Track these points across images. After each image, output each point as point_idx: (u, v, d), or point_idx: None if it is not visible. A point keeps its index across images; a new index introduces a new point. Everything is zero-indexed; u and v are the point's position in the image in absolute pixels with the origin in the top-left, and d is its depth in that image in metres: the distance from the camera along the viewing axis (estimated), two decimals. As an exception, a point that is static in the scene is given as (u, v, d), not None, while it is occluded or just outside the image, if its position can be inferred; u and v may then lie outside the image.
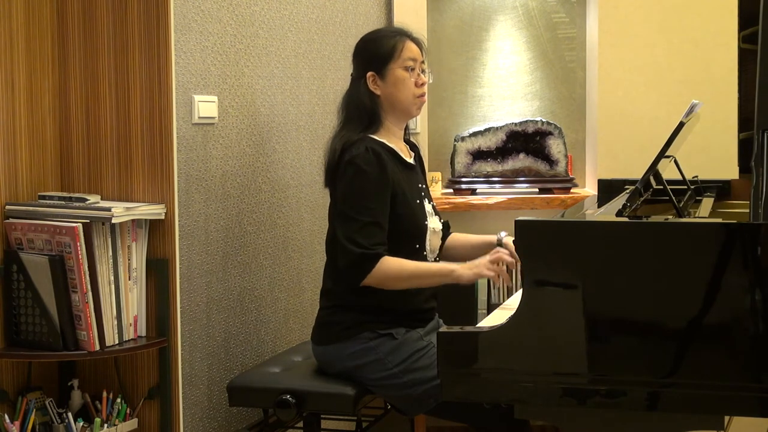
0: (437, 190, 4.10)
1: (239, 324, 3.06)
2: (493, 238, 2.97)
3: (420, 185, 2.86)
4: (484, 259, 2.68)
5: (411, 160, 2.85)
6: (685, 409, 2.10)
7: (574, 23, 4.20)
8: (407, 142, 2.91)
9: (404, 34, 2.80)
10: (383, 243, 2.65)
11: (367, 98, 2.76)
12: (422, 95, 2.81)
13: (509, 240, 2.91)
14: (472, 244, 3.02)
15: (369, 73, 2.77)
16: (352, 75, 2.83)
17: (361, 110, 2.76)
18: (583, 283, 2.11)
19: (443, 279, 2.69)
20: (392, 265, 2.64)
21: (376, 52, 2.77)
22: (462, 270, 2.67)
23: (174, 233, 2.68)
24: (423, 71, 2.81)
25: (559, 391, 2.14)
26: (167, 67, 2.64)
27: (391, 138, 2.80)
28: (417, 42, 2.81)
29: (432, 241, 2.81)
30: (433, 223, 2.82)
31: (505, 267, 2.67)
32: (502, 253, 2.68)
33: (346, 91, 2.85)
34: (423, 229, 2.77)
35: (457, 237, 3.04)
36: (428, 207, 2.84)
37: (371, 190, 2.65)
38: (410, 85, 2.77)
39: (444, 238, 2.98)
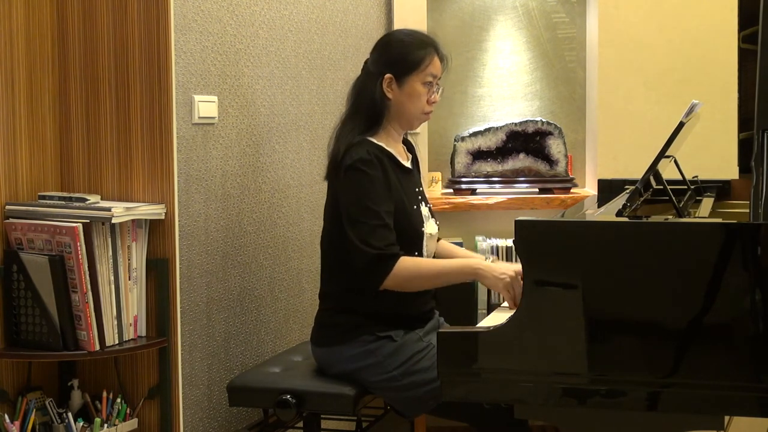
0: (437, 190, 4.10)
1: (239, 324, 3.06)
2: (480, 258, 2.94)
3: (416, 189, 2.84)
4: (511, 274, 2.62)
5: (408, 164, 2.84)
6: (685, 409, 2.09)
7: (574, 23, 4.20)
8: (404, 141, 2.90)
9: (434, 47, 2.76)
10: (395, 243, 2.64)
11: (378, 98, 2.73)
12: (429, 113, 2.80)
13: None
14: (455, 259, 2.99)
15: (388, 75, 2.73)
16: (367, 63, 2.79)
17: (370, 108, 2.73)
18: (583, 283, 2.11)
19: (467, 277, 2.67)
20: (412, 264, 2.64)
21: (404, 58, 2.73)
22: (487, 272, 2.62)
23: (174, 233, 2.68)
24: (437, 87, 2.79)
25: (559, 391, 2.14)
26: (167, 67, 2.64)
27: (389, 141, 2.78)
28: (442, 58, 2.78)
29: (429, 246, 2.80)
30: (430, 228, 2.81)
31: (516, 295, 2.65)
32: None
33: (358, 78, 2.81)
34: (420, 235, 2.75)
35: (443, 245, 3.02)
36: (425, 211, 2.82)
37: (376, 193, 2.63)
38: (423, 101, 2.75)
39: None
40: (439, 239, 3.00)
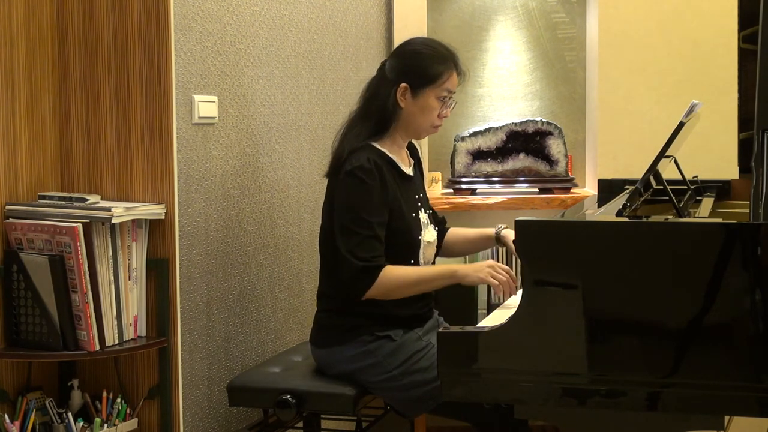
0: (437, 190, 4.10)
1: (239, 324, 3.06)
2: (491, 231, 2.97)
3: (417, 196, 2.84)
4: (488, 263, 2.68)
5: (410, 170, 2.83)
6: (685, 409, 2.10)
7: (574, 23, 4.20)
8: (407, 144, 2.89)
9: (455, 63, 2.74)
10: (383, 255, 2.64)
11: (390, 106, 2.71)
12: (438, 126, 2.79)
13: (507, 233, 2.91)
14: (469, 238, 3.02)
15: (403, 84, 2.70)
16: (384, 67, 2.76)
17: (380, 113, 2.72)
18: (583, 283, 2.11)
19: (447, 280, 2.68)
20: (395, 273, 2.64)
21: (423, 70, 2.71)
22: (466, 269, 2.67)
23: (174, 233, 2.68)
24: (451, 102, 2.77)
25: (559, 391, 2.14)
26: (167, 67, 2.64)
27: (393, 148, 2.77)
28: (460, 73, 2.76)
29: (426, 254, 2.79)
30: (428, 235, 2.80)
31: (507, 277, 2.65)
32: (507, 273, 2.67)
33: (373, 79, 2.79)
34: (417, 243, 2.75)
35: (455, 232, 3.03)
36: (424, 218, 2.81)
37: (371, 203, 2.63)
38: (434, 115, 2.74)
39: (442, 234, 2.97)
40: (448, 228, 3.03)
